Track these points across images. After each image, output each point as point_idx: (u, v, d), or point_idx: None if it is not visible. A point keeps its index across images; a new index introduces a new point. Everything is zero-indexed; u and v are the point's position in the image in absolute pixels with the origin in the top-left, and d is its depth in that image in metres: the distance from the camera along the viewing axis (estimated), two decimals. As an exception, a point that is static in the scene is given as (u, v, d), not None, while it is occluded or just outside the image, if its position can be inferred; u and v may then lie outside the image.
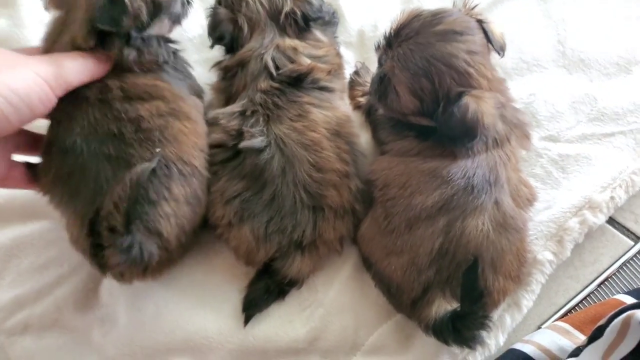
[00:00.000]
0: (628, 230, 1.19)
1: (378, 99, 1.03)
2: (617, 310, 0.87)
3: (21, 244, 1.15)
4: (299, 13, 1.09)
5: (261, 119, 0.99)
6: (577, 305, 1.13)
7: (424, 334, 1.01)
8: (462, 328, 0.88)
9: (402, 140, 1.03)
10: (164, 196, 0.91)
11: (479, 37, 0.96)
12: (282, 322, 1.07)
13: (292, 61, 1.05)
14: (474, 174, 0.95)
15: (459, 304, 0.90)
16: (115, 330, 1.07)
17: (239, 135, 1.00)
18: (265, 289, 1.07)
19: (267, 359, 1.06)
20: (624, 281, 1.14)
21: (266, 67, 1.04)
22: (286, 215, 0.99)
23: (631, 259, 1.16)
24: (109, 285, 1.11)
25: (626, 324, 0.81)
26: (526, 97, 1.25)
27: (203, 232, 1.14)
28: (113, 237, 0.85)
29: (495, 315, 1.06)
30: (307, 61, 1.06)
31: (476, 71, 0.93)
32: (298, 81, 1.04)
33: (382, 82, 1.00)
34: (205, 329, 1.06)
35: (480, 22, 0.99)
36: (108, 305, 1.10)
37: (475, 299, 0.87)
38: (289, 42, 1.07)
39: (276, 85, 1.02)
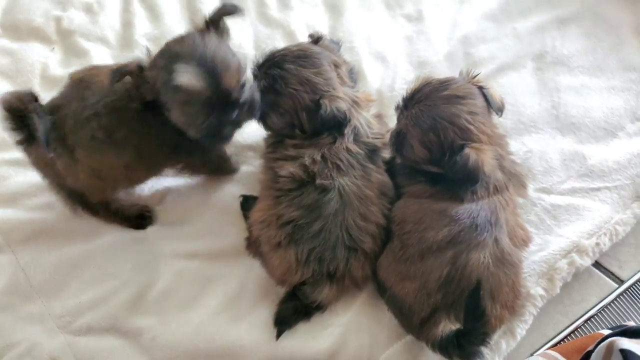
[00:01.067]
0: (612, 274, 1.35)
1: (395, 150, 1.25)
2: (602, 337, 1.03)
3: (84, 258, 1.34)
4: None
5: (335, 169, 1.20)
6: (565, 337, 1.28)
7: (430, 354, 1.18)
8: (466, 344, 1.04)
9: (416, 185, 1.23)
10: None
11: (479, 100, 1.18)
12: (307, 338, 1.24)
13: (372, 132, 1.28)
14: (478, 215, 1.14)
15: (462, 325, 1.07)
16: (162, 337, 1.24)
17: (313, 174, 1.19)
18: (295, 309, 1.24)
19: (293, 368, 1.22)
20: (608, 319, 1.30)
21: (355, 132, 1.25)
22: (328, 249, 1.17)
23: (615, 299, 1.32)
24: (159, 297, 1.29)
25: (609, 350, 0.95)
26: (523, 154, 1.45)
27: (241, 257, 1.33)
28: None
29: (492, 340, 1.22)
30: (383, 135, 1.30)
31: (476, 128, 1.14)
32: (374, 152, 1.26)
33: (399, 136, 1.23)
34: (241, 338, 1.23)
35: (481, 88, 1.21)
36: (158, 314, 1.27)
37: (477, 317, 1.03)
38: (366, 114, 1.30)
39: (359, 150, 1.23)
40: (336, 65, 1.29)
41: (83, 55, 1.65)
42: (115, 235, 1.37)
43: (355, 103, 1.28)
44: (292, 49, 1.27)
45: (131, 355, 1.23)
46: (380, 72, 1.61)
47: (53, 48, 1.68)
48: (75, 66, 1.60)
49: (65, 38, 1.69)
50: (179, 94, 1.07)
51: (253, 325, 1.25)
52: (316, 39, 1.34)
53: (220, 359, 1.22)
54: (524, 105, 1.53)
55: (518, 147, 1.45)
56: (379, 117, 1.36)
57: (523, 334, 1.24)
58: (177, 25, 1.70)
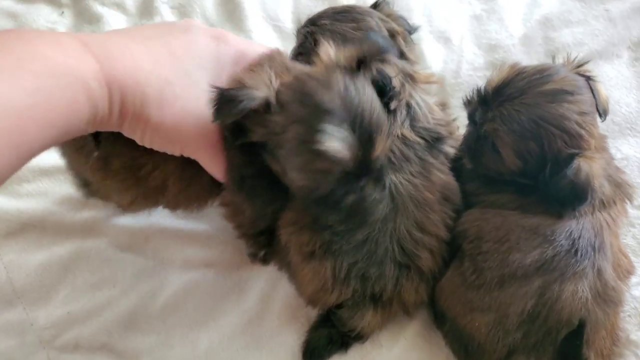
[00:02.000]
0: None
1: (471, 158, 0.99)
2: None
3: (78, 259, 1.11)
4: None
5: (385, 163, 0.92)
6: (671, 396, 1.01)
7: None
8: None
9: (498, 194, 0.97)
10: None
11: (588, 96, 0.91)
12: (343, 376, 0.99)
13: (433, 117, 1.00)
14: (579, 237, 0.88)
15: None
16: (164, 362, 1.01)
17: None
18: (329, 338, 0.99)
19: (321, 413, 0.97)
20: None
21: (412, 115, 0.98)
22: (374, 264, 0.92)
23: None
24: (162, 313, 1.05)
25: None
26: (618, 162, 1.17)
27: (265, 269, 1.09)
28: None
29: (582, 398, 0.95)
30: (448, 121, 1.03)
31: (587, 132, 0.88)
32: (437, 142, 0.99)
33: (479, 141, 0.96)
34: (260, 371, 0.99)
35: (588, 79, 0.93)
36: (160, 333, 1.04)
37: None
38: (425, 96, 1.03)
39: (417, 139, 0.97)
40: (392, 33, 1.03)
41: (95, 21, 1.43)
42: (116, 234, 1.14)
43: (410, 77, 1.01)
44: (335, 7, 1.06)
45: (126, 382, 1.00)
46: (443, 54, 1.35)
47: (62, 12, 1.47)
48: (87, 32, 1.41)
49: (77, 2, 1.48)
50: (318, 161, 0.76)
51: (275, 354, 1.01)
52: (375, 3, 1.09)
53: (232, 396, 0.98)
54: (618, 102, 1.26)
55: (612, 153, 1.16)
56: (443, 105, 1.09)
57: (620, 390, 0.97)
58: (205, -7, 1.47)
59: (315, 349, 0.99)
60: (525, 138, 0.88)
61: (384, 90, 0.88)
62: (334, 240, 0.92)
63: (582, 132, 0.87)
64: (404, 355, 1.01)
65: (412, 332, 1.03)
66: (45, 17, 1.45)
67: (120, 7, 1.46)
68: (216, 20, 1.42)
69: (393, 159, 0.94)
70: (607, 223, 0.91)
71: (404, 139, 0.96)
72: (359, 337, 0.98)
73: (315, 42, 0.97)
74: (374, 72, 0.86)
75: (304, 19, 1.24)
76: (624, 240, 1.09)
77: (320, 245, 0.92)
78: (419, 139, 0.97)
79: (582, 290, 0.86)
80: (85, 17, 1.45)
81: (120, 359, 1.02)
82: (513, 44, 1.35)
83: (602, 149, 0.95)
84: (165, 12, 1.44)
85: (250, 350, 1.02)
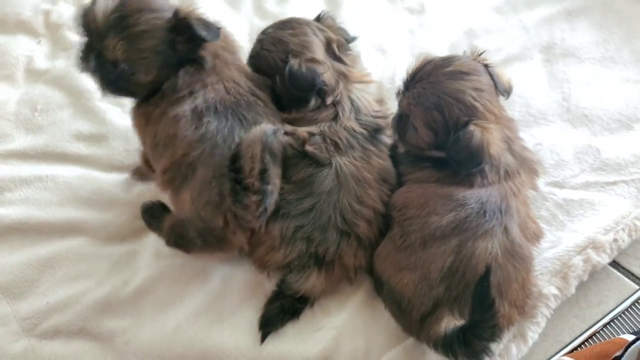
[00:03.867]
0: (633, 274, 1.23)
1: (398, 136, 1.16)
2: (628, 342, 0.91)
3: (57, 257, 1.23)
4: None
5: (333, 147, 1.12)
6: (582, 343, 1.15)
7: (432, 359, 1.06)
8: (473, 339, 0.92)
9: (420, 170, 1.14)
10: None
11: (485, 77, 1.09)
12: (296, 341, 1.12)
13: (373, 110, 1.21)
14: (487, 201, 1.03)
15: (469, 318, 0.95)
16: (137, 340, 1.12)
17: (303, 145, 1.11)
18: (281, 308, 1.12)
19: (279, 375, 1.10)
20: (629, 323, 1.17)
21: (355, 108, 1.18)
22: (317, 229, 1.07)
23: (636, 301, 1.19)
24: (134, 297, 1.18)
25: None
26: (532, 147, 1.33)
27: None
28: (255, 185, 0.98)
29: (501, 345, 1.09)
30: (386, 114, 1.22)
31: (482, 106, 1.05)
32: (376, 132, 1.18)
33: (401, 120, 1.14)
34: (222, 343, 1.11)
35: (486, 66, 1.11)
36: (132, 316, 1.16)
37: (486, 307, 0.91)
38: (360, 92, 1.22)
39: (360, 129, 1.15)
40: (328, 40, 1.22)
41: (69, 48, 1.58)
42: (95, 232, 1.27)
43: (343, 76, 1.20)
44: (283, 19, 1.26)
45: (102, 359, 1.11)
46: (381, 63, 1.53)
47: (40, 41, 1.63)
48: (61, 59, 1.57)
49: (53, 32, 1.64)
50: None
51: (237, 327, 1.14)
52: (317, 17, 1.28)
53: (199, 366, 1.10)
54: (532, 97, 1.44)
55: (527, 139, 1.31)
56: (380, 102, 1.29)
57: (535, 338, 1.12)
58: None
59: (270, 319, 1.12)
60: (430, 109, 1.06)
61: (314, 84, 1.09)
62: (283, 206, 1.08)
63: (477, 104, 1.04)
64: (351, 320, 1.14)
65: (357, 300, 1.17)
66: (24, 46, 1.61)
67: (93, 35, 1.62)
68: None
69: (341, 145, 1.13)
70: (513, 191, 1.07)
71: (350, 130, 1.15)
72: (306, 300, 1.12)
73: (262, 46, 1.18)
74: (304, 69, 1.06)
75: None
76: (539, 212, 1.26)
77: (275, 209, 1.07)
78: (362, 130, 1.16)
79: (493, 247, 1.02)
80: (60, 45, 1.61)
81: (96, 340, 1.14)
82: (442, 51, 1.53)
83: (507, 127, 1.12)
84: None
85: (214, 325, 1.14)
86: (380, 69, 1.52)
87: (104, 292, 1.19)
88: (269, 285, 1.17)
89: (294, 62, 1.14)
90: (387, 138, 1.21)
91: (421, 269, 1.03)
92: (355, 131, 1.15)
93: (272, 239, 1.08)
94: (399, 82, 1.44)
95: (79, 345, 1.13)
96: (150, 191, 1.29)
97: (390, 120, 1.22)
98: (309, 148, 1.10)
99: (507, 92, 1.13)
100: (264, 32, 1.24)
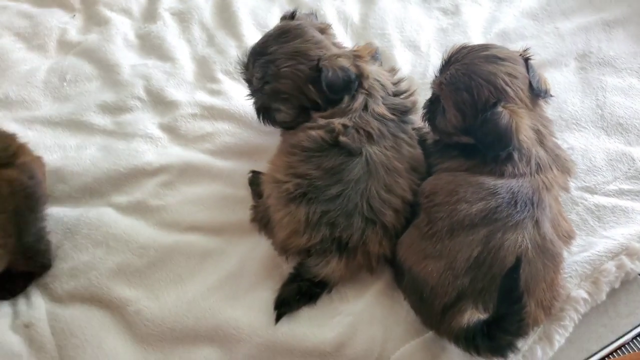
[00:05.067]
0: (665, 287, 1.18)
1: (428, 120, 1.14)
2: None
3: (79, 223, 1.21)
4: None
5: (366, 137, 1.09)
6: (610, 354, 1.10)
7: (452, 354, 1.02)
8: (498, 332, 0.88)
9: (450, 160, 1.11)
10: None
11: (521, 68, 1.07)
12: (312, 325, 1.08)
13: (397, 88, 1.20)
14: (518, 191, 1.00)
15: (494, 310, 0.91)
16: (147, 311, 1.10)
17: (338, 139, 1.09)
18: (298, 290, 1.09)
19: (292, 357, 1.05)
20: (660, 336, 1.12)
21: (380, 92, 1.15)
22: (342, 215, 1.05)
23: (668, 315, 1.14)
24: (148, 269, 1.15)
25: None
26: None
27: (246, 234, 1.20)
28: None
29: (526, 345, 1.05)
30: (409, 88, 1.21)
31: (513, 91, 1.03)
32: (404, 114, 1.16)
33: (432, 104, 1.13)
34: (236, 319, 1.08)
35: (527, 60, 1.09)
36: (145, 287, 1.13)
37: (514, 300, 0.87)
38: (372, 66, 1.20)
39: (390, 116, 1.13)
40: (322, 30, 1.22)
41: (103, 24, 1.60)
42: (114, 202, 1.26)
43: (357, 57, 1.17)
44: (270, 33, 1.21)
45: (111, 327, 1.09)
46: (412, 59, 1.52)
47: (74, 15, 1.64)
48: (94, 34, 1.57)
49: (88, 7, 1.65)
50: None
51: (251, 306, 1.11)
52: (290, 15, 1.26)
53: (209, 341, 1.07)
54: (565, 102, 1.41)
55: (559, 143, 1.31)
56: (392, 71, 1.26)
57: (562, 342, 1.07)
58: (204, 2, 1.64)
59: (286, 299, 1.09)
60: (459, 90, 1.04)
61: (350, 81, 1.11)
62: (311, 191, 1.06)
63: (508, 89, 1.02)
64: (369, 309, 1.10)
65: (376, 290, 1.13)
66: (58, 18, 1.62)
67: (127, 13, 1.63)
68: (212, 26, 1.59)
69: (374, 135, 1.10)
70: (545, 185, 1.04)
71: (381, 117, 1.13)
72: (324, 285, 1.08)
73: (278, 66, 1.14)
74: (339, 73, 1.11)
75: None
76: (569, 216, 1.22)
77: (298, 192, 1.06)
78: (392, 116, 1.14)
79: (523, 240, 0.98)
80: (94, 20, 1.62)
81: (108, 307, 1.12)
82: (475, 52, 1.52)
83: (541, 123, 1.09)
84: (167, 18, 1.60)
85: (228, 301, 1.11)
86: (410, 65, 1.51)
87: (118, 260, 1.17)
88: (286, 268, 1.14)
89: (327, 70, 1.11)
90: (415, 117, 1.20)
91: (447, 258, 0.99)
92: (385, 118, 1.13)
93: (296, 222, 1.05)
94: (430, 78, 1.46)
95: (90, 311, 1.11)
96: (163, 160, 1.31)
97: (415, 97, 1.21)
98: (342, 139, 1.08)
99: (543, 91, 1.11)
100: (266, 52, 1.17)
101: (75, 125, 1.37)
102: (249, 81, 1.23)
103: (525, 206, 1.00)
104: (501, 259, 0.97)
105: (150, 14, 1.63)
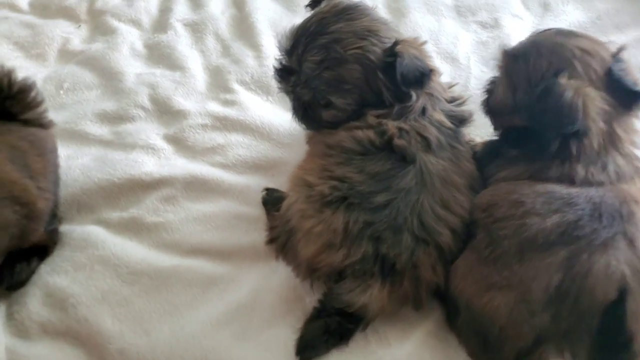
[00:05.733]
0: None
1: (486, 102, 1.00)
2: None
3: (61, 244, 1.02)
4: None
5: (423, 144, 0.90)
6: None
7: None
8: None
9: (509, 167, 0.91)
10: None
11: (603, 51, 0.88)
12: (343, 374, 0.85)
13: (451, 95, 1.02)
14: (601, 202, 0.80)
15: None
16: (134, 349, 0.88)
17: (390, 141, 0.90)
18: (325, 328, 0.87)
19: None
20: None
21: (436, 97, 0.98)
22: (390, 229, 0.84)
23: None
24: (137, 297, 0.94)
25: None
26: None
27: (260, 260, 0.99)
28: None
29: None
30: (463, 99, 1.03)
31: (584, 69, 0.85)
32: (461, 123, 0.98)
33: (490, 84, 1.00)
34: (246, 363, 0.85)
35: (619, 50, 0.90)
36: (133, 319, 0.92)
37: (619, 347, 0.65)
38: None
39: (447, 123, 0.95)
40: None
41: (110, 33, 1.46)
42: (107, 219, 1.07)
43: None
44: (324, 10, 0.98)
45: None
46: (450, 71, 1.35)
47: (79, 25, 1.51)
48: (100, 43, 1.44)
49: (95, 17, 1.53)
50: None
51: (266, 347, 0.88)
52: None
53: (211, 389, 0.83)
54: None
55: None
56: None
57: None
58: (219, 14, 1.51)
59: (310, 341, 0.86)
60: (516, 57, 0.89)
61: (425, 74, 0.92)
62: (352, 195, 0.85)
63: (577, 63, 0.84)
64: (415, 355, 0.87)
65: (424, 331, 0.90)
66: (62, 28, 1.49)
67: (136, 24, 1.50)
68: (228, 37, 1.45)
69: (432, 143, 0.92)
70: (633, 196, 0.82)
71: (440, 125, 0.94)
72: (359, 321, 0.86)
73: (345, 47, 0.92)
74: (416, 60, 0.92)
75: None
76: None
77: (335, 195, 0.85)
78: (449, 124, 0.96)
79: (617, 264, 0.76)
80: (100, 30, 1.49)
81: (85, 345, 0.90)
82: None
83: (619, 125, 0.87)
84: (179, 28, 1.47)
85: (236, 340, 0.89)
86: (449, 77, 1.34)
87: (104, 287, 0.95)
88: (310, 301, 0.92)
89: (403, 57, 0.91)
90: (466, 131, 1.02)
91: (518, 288, 0.78)
92: (444, 126, 0.95)
93: (331, 233, 0.84)
94: (473, 90, 1.30)
95: (61, 350, 0.89)
96: (164, 171, 1.12)
97: (465, 101, 1.02)
98: (398, 142, 0.89)
99: (628, 85, 0.87)
100: (326, 31, 0.94)
101: (68, 134, 1.20)
102: (290, 70, 0.99)
103: (613, 220, 0.78)
104: (589, 288, 0.75)
105: (161, 24, 1.50)
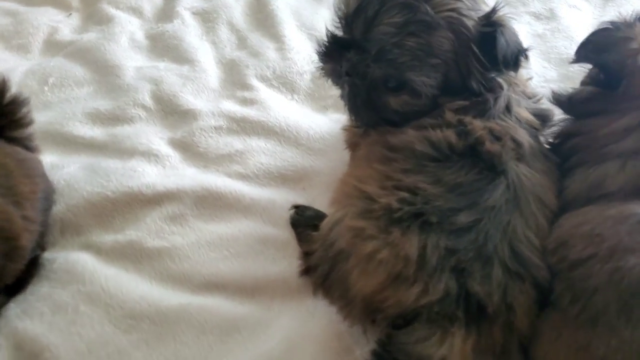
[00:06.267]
0: None
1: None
2: None
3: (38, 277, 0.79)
4: None
5: (512, 150, 0.70)
6: None
7: None
8: None
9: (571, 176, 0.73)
10: None
11: None
12: None
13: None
14: None
15: None
16: None
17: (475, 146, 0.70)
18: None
19: None
20: None
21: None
22: (477, 259, 0.63)
23: None
24: (144, 348, 0.72)
25: None
26: None
27: (293, 296, 0.78)
28: None
29: None
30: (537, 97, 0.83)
31: None
32: (546, 123, 0.78)
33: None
34: None
35: None
36: None
37: None
38: None
39: (536, 122, 0.76)
40: None
41: (105, 22, 1.26)
42: (98, 243, 0.84)
43: None
44: None
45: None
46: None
47: (70, 14, 1.31)
48: (93, 33, 1.24)
49: (89, 5, 1.33)
50: None
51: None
52: None
53: None
54: None
55: None
56: None
57: None
58: (233, 1, 1.31)
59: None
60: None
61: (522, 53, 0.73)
62: (430, 213, 0.64)
63: None
64: None
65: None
66: (49, 17, 1.29)
67: (136, 12, 1.30)
68: (244, 27, 1.25)
69: (524, 148, 0.71)
70: None
71: (529, 126, 0.75)
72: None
73: (436, 8, 0.70)
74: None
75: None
76: None
77: (410, 212, 0.64)
78: (537, 122, 0.76)
79: None
80: (94, 19, 1.29)
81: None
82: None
83: None
84: (187, 17, 1.27)
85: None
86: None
87: (91, 336, 0.73)
88: (362, 354, 0.71)
89: (505, 28, 0.71)
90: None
91: (624, 353, 0.57)
92: (533, 127, 0.75)
93: (401, 260, 0.62)
94: (536, 89, 1.10)
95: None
96: (170, 183, 0.91)
97: (541, 98, 0.82)
98: (490, 147, 0.68)
99: None
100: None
101: (52, 137, 0.99)
102: (346, 44, 0.76)
103: None
104: None
105: (166, 13, 1.30)
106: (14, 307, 0.75)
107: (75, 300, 0.76)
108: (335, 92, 0.99)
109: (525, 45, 0.73)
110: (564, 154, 0.77)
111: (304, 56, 1.17)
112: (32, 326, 0.73)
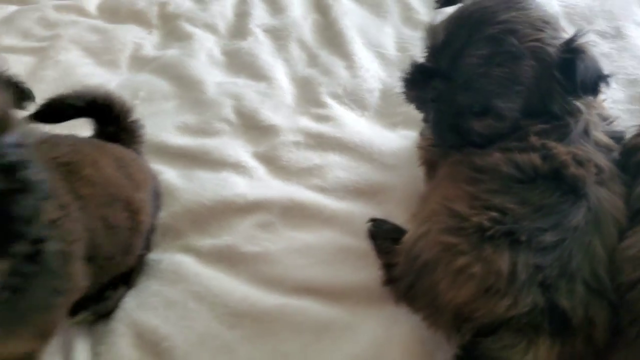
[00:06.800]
0: None
1: None
2: None
3: (147, 274, 0.89)
4: None
5: (593, 174, 0.75)
6: None
7: None
8: None
9: None
10: None
11: None
12: None
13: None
14: None
15: None
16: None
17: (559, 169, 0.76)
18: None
19: None
20: None
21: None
22: (562, 276, 0.69)
23: None
24: (247, 344, 0.80)
25: None
26: None
27: (375, 304, 0.85)
28: None
29: None
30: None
31: None
32: (618, 143, 0.84)
33: None
34: None
35: None
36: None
37: None
38: None
39: (613, 146, 0.82)
40: None
41: (185, 39, 1.35)
42: (198, 247, 0.93)
43: None
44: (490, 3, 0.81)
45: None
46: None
47: (151, 31, 1.41)
48: (174, 49, 1.33)
49: (167, 22, 1.42)
50: None
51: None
52: None
53: None
54: None
55: None
56: None
57: None
58: (302, 19, 1.39)
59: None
60: None
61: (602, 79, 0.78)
62: (518, 231, 0.70)
63: None
64: None
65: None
66: (134, 34, 1.39)
67: (211, 29, 1.39)
68: (314, 45, 1.33)
69: (605, 172, 0.77)
70: None
71: (606, 150, 0.81)
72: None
73: (522, 39, 0.76)
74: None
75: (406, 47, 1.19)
76: None
77: (501, 231, 0.70)
78: (615, 146, 0.82)
79: None
80: (174, 36, 1.38)
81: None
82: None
83: None
84: (259, 34, 1.35)
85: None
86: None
87: (200, 329, 0.82)
88: (443, 359, 0.77)
89: (585, 54, 0.77)
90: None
91: None
92: (611, 150, 0.81)
93: (493, 275, 0.69)
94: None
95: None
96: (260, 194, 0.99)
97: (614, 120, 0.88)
98: (575, 171, 0.74)
99: None
100: (495, 21, 0.77)
101: (148, 147, 1.07)
102: (432, 73, 0.82)
103: None
104: None
105: (239, 30, 1.38)
106: (130, 301, 0.84)
107: (184, 297, 0.84)
108: (403, 109, 1.07)
109: (605, 72, 0.78)
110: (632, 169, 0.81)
111: (373, 74, 1.24)
112: (148, 318, 0.82)
